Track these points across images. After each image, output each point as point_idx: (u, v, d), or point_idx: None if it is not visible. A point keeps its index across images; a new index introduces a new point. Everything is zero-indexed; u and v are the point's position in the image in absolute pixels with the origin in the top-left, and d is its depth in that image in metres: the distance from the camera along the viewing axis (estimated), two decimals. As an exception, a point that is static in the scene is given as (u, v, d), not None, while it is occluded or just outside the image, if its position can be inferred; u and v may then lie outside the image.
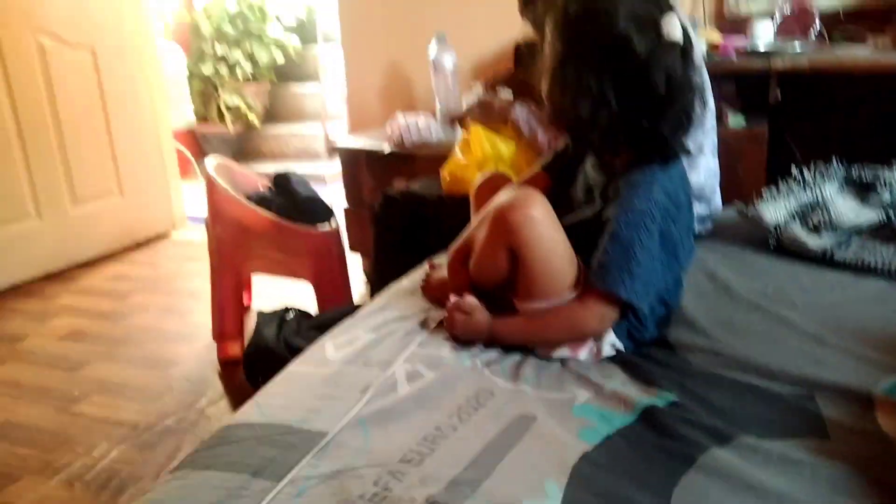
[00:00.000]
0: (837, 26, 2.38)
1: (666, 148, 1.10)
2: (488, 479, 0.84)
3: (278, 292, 2.64)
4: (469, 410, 0.99)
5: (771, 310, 1.25)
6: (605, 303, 1.09)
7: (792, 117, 2.30)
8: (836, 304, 1.26)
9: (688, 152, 1.14)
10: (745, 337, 1.17)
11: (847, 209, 1.52)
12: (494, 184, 1.37)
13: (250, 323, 2.27)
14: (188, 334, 2.47)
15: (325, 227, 2.31)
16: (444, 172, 1.94)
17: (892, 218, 1.47)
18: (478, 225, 1.22)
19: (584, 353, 1.14)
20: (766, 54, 2.16)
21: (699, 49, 1.53)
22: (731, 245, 1.56)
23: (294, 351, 1.98)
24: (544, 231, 1.10)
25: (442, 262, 1.41)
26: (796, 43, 2.24)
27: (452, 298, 1.20)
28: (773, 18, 2.41)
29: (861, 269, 1.36)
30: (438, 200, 1.74)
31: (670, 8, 1.06)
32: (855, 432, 0.90)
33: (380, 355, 1.14)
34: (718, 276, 1.40)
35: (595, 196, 1.21)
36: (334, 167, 4.36)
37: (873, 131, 2.40)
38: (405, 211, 1.77)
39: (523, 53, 2.65)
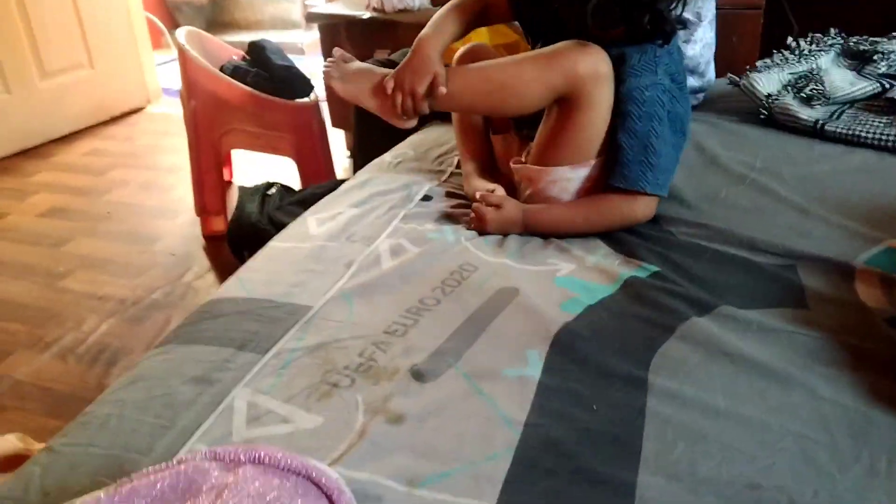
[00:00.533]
0: None
1: (663, 23, 1.04)
2: (470, 349, 0.85)
3: (260, 168, 2.60)
4: (452, 284, 0.99)
5: (758, 181, 1.24)
6: (643, 196, 1.09)
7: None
8: (823, 175, 1.25)
9: (684, 25, 1.09)
10: (729, 209, 1.17)
11: (841, 80, 1.48)
12: (476, 56, 1.30)
13: (233, 198, 2.25)
14: (170, 210, 2.45)
15: (304, 101, 2.23)
16: None
17: (887, 88, 1.43)
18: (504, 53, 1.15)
19: None
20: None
21: None
22: (721, 117, 1.52)
23: (277, 226, 1.97)
24: (607, 93, 1.05)
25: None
26: None
27: (479, 195, 1.14)
28: None
29: (851, 140, 1.33)
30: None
31: None
32: (834, 302, 0.91)
33: (363, 230, 1.13)
34: (707, 149, 1.37)
35: None
36: (312, 36, 4.18)
37: (875, 2, 2.30)
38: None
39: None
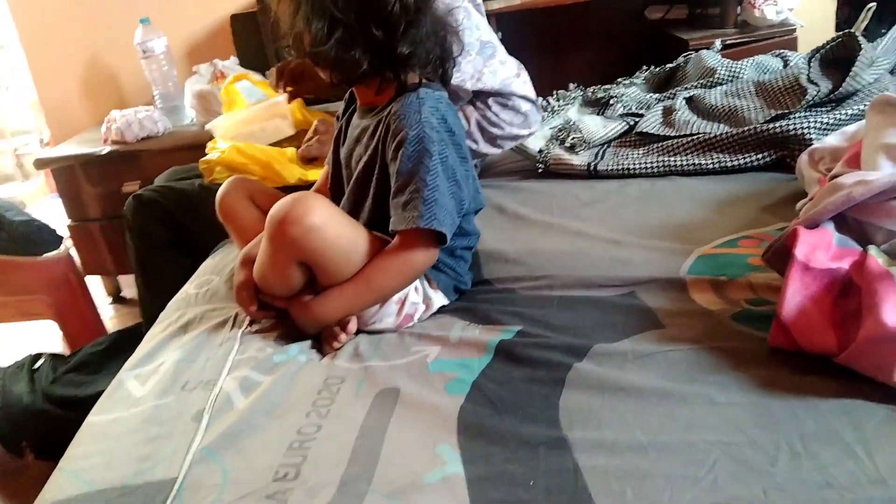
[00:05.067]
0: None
1: (406, 65, 1.04)
2: (378, 467, 0.77)
3: (9, 340, 2.22)
4: (325, 402, 0.90)
5: (564, 226, 1.31)
6: (422, 239, 1.02)
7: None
8: (615, 208, 1.36)
9: (447, 77, 1.12)
10: (552, 257, 1.21)
11: (594, 125, 1.65)
12: (240, 192, 1.25)
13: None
14: None
15: (54, 254, 1.97)
16: (206, 164, 1.63)
17: (632, 125, 1.62)
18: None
19: (412, 323, 1.10)
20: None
21: None
22: (504, 178, 1.61)
23: (58, 402, 1.68)
24: (330, 233, 0.99)
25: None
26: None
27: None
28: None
29: (622, 175, 1.48)
30: (201, 190, 1.54)
31: None
32: (682, 314, 0.98)
33: (198, 375, 0.99)
34: (506, 208, 1.43)
35: (364, 138, 1.11)
36: (33, 185, 3.76)
37: (589, 57, 2.66)
38: (164, 210, 1.55)
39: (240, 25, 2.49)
